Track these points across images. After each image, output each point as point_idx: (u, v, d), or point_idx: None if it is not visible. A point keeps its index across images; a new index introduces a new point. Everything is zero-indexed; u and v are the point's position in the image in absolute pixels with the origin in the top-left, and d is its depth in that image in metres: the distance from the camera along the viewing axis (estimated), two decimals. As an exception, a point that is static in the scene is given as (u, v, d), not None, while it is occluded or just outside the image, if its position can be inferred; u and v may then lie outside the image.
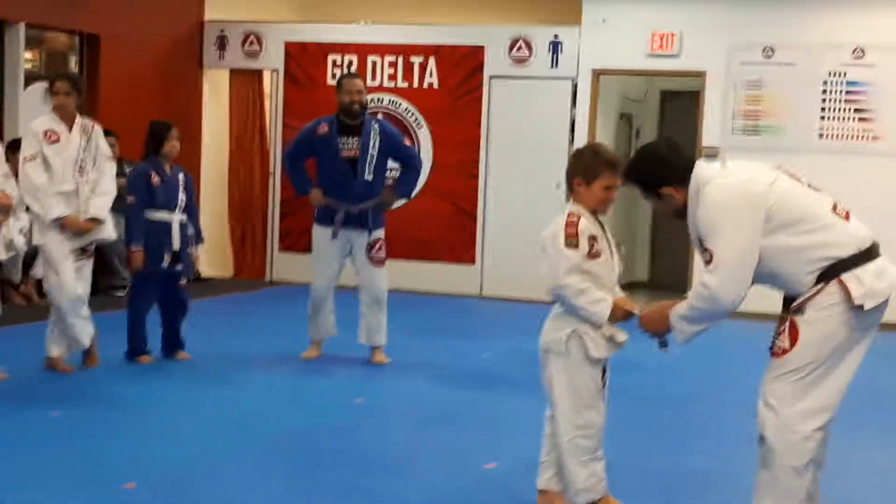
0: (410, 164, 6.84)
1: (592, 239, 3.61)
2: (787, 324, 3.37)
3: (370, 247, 6.63)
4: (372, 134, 6.58)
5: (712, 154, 9.16)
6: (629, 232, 11.20)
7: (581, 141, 9.81)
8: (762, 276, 3.40)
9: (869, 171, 9.17)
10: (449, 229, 10.42)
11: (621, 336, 3.68)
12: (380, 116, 9.14)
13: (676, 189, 3.47)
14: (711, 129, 9.63)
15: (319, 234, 6.67)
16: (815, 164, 8.78)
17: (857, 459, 4.79)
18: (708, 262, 3.36)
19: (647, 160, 3.59)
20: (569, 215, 3.63)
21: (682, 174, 3.47)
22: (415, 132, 10.40)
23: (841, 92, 9.31)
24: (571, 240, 3.57)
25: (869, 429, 5.40)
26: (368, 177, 6.57)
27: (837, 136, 9.30)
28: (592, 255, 3.61)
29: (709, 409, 5.83)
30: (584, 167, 3.66)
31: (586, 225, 3.61)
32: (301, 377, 6.26)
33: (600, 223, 3.70)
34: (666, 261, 11.05)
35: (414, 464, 4.51)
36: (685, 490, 4.28)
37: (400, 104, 10.47)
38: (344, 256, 6.70)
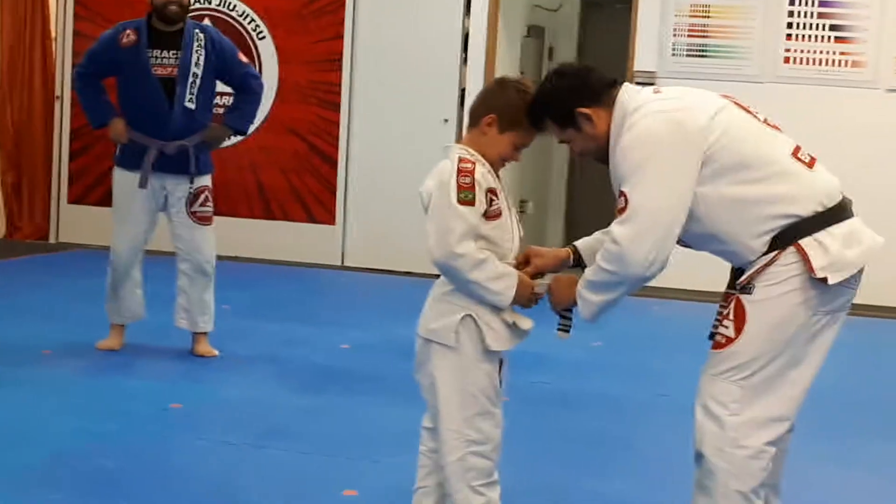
0: (248, 87, 6.77)
1: (491, 193, 3.60)
2: (732, 305, 3.40)
3: (192, 199, 6.56)
4: (195, 46, 6.49)
5: (647, 82, 9.28)
6: (538, 186, 11.30)
7: (477, 62, 9.84)
8: (699, 238, 3.43)
9: (847, 105, 9.42)
10: (300, 177, 10.37)
11: (526, 323, 3.70)
12: (207, 22, 8.99)
13: (595, 110, 3.49)
14: (646, 49, 9.75)
15: (123, 180, 6.57)
16: (778, 97, 9.05)
17: (823, 481, 4.93)
18: (621, 209, 3.37)
19: (556, 78, 3.61)
20: (461, 161, 3.60)
21: (601, 91, 3.51)
22: (254, 44, 10.29)
23: (813, 4, 9.52)
24: (467, 193, 3.54)
25: (840, 440, 5.56)
26: (190, 104, 6.48)
27: (808, 60, 9.52)
28: (491, 214, 3.60)
29: (635, 416, 5.92)
30: (506, 107, 3.65)
31: (484, 174, 3.60)
32: (96, 375, 6.16)
33: (496, 175, 3.70)
34: (585, 223, 11.15)
35: (246, 492, 4.46)
36: (604, 523, 4.35)
37: (234, 6, 10.33)
38: (156, 212, 6.63)
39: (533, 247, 3.79)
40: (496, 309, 3.62)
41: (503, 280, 3.57)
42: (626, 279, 3.41)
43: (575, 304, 3.57)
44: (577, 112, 3.50)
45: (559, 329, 3.70)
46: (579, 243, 3.75)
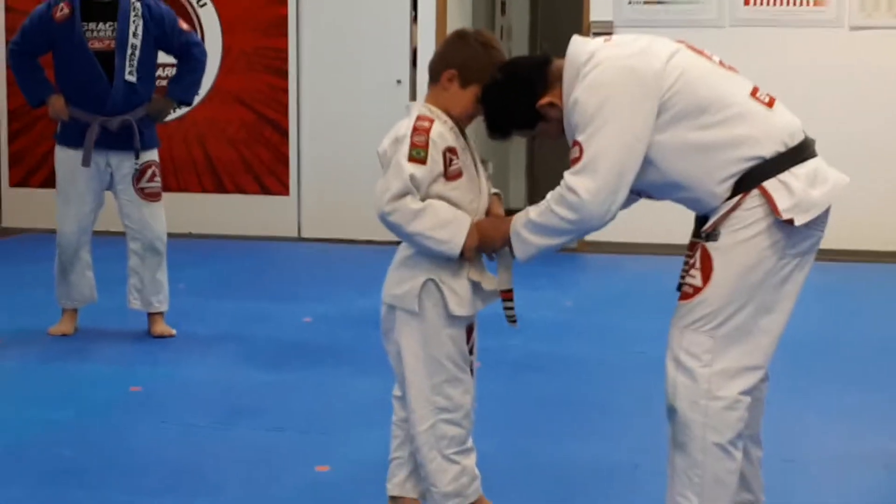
0: (191, 56, 6.72)
1: (450, 153, 3.59)
2: (698, 254, 3.40)
3: (139, 175, 6.53)
4: (133, 16, 6.44)
5: (604, 33, 9.28)
6: (499, 144, 11.27)
7: (428, 20, 9.81)
8: (661, 187, 3.43)
9: (810, 46, 9.44)
10: (251, 148, 10.32)
11: (490, 283, 3.69)
12: (145, -9, 8.93)
13: (552, 93, 3.48)
14: (602, -1, 9.75)
15: (65, 159, 6.53)
16: (739, 41, 9.06)
17: (804, 430, 4.98)
18: (576, 159, 3.37)
19: (495, 92, 3.57)
20: (418, 118, 3.59)
21: (544, 72, 3.50)
22: (195, 12, 10.21)
23: (772, -58, 9.54)
24: (419, 151, 3.53)
25: (820, 388, 5.63)
26: (131, 77, 6.44)
27: (768, 1, 9.52)
28: (451, 175, 3.60)
29: (610, 377, 5.95)
30: (468, 61, 3.62)
31: (442, 133, 3.58)
32: (50, 362, 6.13)
33: (463, 133, 3.69)
34: (549, 182, 11.17)
35: (216, 474, 4.46)
36: (582, 487, 4.36)
37: (173, -26, 10.26)
38: (102, 190, 6.60)
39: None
40: (460, 271, 3.62)
41: (449, 227, 3.54)
42: (581, 228, 3.43)
43: (501, 246, 3.58)
44: (540, 108, 3.50)
45: (508, 319, 3.71)
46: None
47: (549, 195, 3.46)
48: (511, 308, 3.70)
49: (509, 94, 3.56)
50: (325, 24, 10.13)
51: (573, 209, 3.37)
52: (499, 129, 3.64)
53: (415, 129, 3.56)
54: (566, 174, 3.39)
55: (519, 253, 3.53)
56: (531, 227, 3.48)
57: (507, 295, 3.71)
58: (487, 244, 3.61)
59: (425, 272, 3.62)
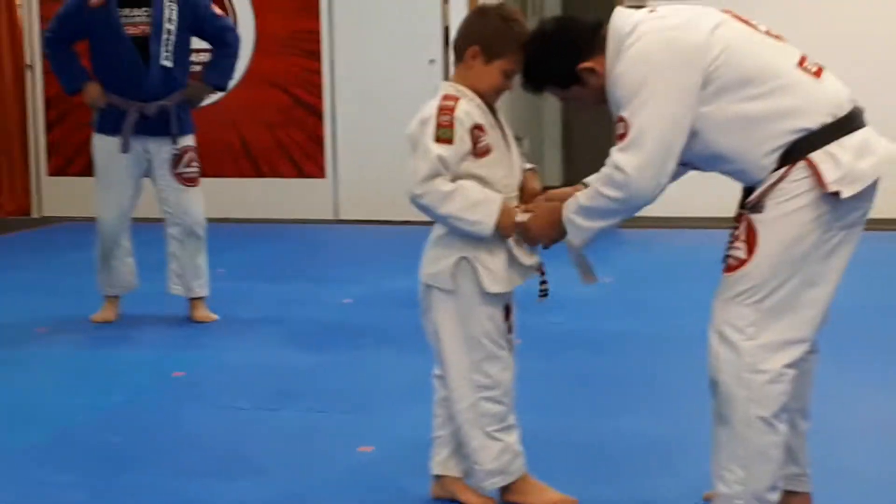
0: (224, 41, 6.75)
1: (478, 130, 3.59)
2: (743, 225, 3.39)
3: (176, 160, 6.55)
4: (167, 1, 6.45)
5: (640, 5, 9.22)
6: (534, 121, 11.27)
7: (459, -1, 9.80)
8: (707, 159, 3.41)
9: (852, 13, 9.37)
10: (286, 131, 10.35)
11: (528, 259, 3.70)
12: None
13: (594, 59, 3.47)
14: (637, -31, 9.68)
15: (103, 146, 6.56)
16: (781, 7, 8.98)
17: (855, 405, 4.94)
18: (621, 135, 3.35)
19: (542, 43, 3.57)
20: (444, 98, 3.60)
21: (592, 38, 3.47)
22: (228, -4, 10.25)
23: None
24: (445, 131, 3.54)
25: (873, 361, 5.58)
26: (166, 62, 6.46)
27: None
28: (479, 151, 3.60)
29: (652, 351, 5.93)
30: (489, 36, 3.64)
31: (468, 111, 3.58)
32: (94, 349, 6.19)
33: (492, 109, 3.69)
34: (584, 159, 11.14)
35: (259, 456, 4.49)
36: (625, 463, 4.35)
37: (204, -41, 10.27)
38: (140, 176, 6.62)
39: (550, 192, 3.77)
40: (494, 248, 3.63)
41: (480, 208, 3.56)
42: (630, 206, 3.41)
43: (558, 237, 3.58)
44: (579, 70, 3.49)
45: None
46: (590, 181, 3.75)
47: (596, 177, 3.45)
48: (545, 280, 3.71)
49: (552, 48, 3.55)
50: (356, 5, 10.14)
51: (621, 188, 3.36)
52: (533, 80, 3.62)
53: (440, 109, 3.57)
54: (613, 151, 3.38)
55: (575, 239, 3.52)
56: (583, 212, 3.47)
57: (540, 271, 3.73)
58: (545, 237, 3.62)
59: (459, 250, 3.64)
